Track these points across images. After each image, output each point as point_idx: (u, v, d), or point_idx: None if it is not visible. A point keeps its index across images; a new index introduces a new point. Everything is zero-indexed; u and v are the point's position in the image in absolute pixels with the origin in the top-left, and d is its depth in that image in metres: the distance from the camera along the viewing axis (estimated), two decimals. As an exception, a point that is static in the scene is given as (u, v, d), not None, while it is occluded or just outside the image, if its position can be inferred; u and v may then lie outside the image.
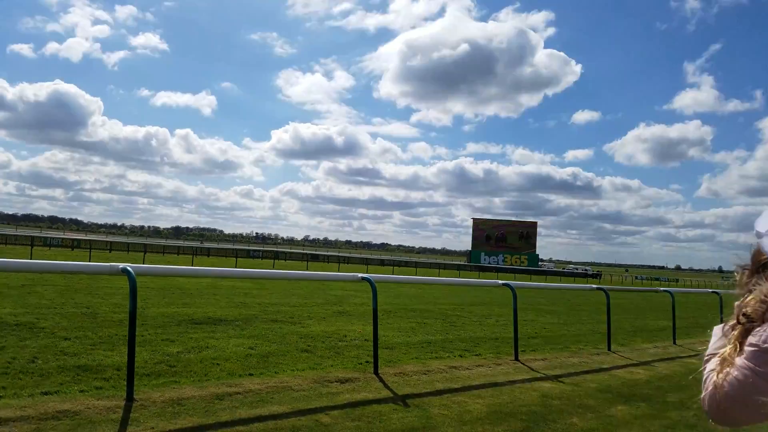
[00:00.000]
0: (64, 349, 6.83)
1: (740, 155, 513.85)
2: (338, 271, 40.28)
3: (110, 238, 62.94)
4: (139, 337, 7.49)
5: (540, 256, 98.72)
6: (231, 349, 7.63)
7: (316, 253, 77.07)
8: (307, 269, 39.16)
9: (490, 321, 13.73)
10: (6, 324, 8.05)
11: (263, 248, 76.58)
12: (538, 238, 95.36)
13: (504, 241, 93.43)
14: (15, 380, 5.31)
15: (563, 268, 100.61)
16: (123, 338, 7.53)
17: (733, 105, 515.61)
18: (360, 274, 7.48)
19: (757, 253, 1.27)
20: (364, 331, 9.93)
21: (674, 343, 12.31)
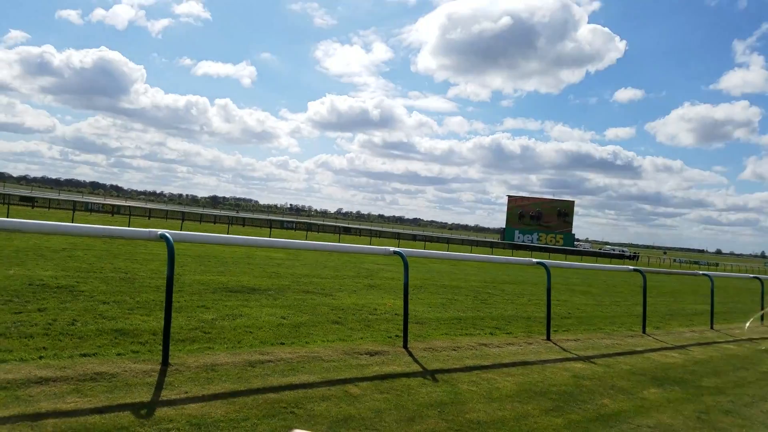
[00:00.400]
0: (103, 312, 7.03)
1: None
2: (370, 244, 40.52)
3: (149, 205, 64.48)
4: (175, 303, 7.67)
5: (576, 236, 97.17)
6: (264, 318, 7.75)
7: (349, 226, 77.48)
8: (339, 242, 39.46)
9: (523, 300, 13.61)
10: (48, 287, 8.34)
11: (296, 219, 77.40)
12: (574, 218, 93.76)
13: (539, 220, 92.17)
14: (55, 341, 5.50)
15: (600, 249, 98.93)
16: (159, 304, 7.73)
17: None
18: (392, 248, 7.45)
19: None
20: (395, 305, 9.96)
21: (711, 327, 12.00)
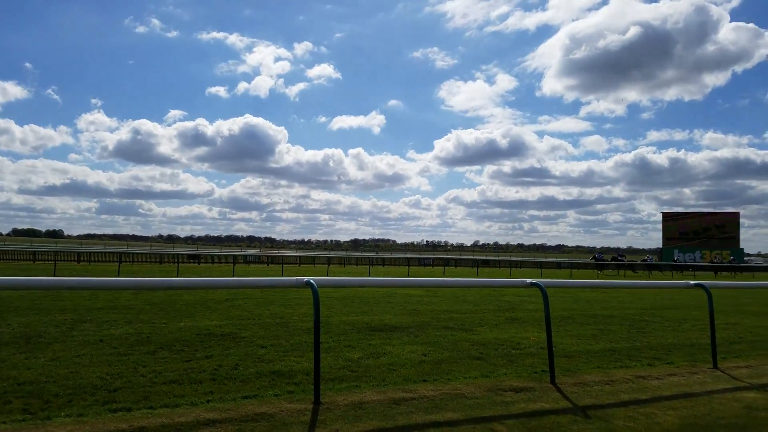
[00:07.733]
0: (262, 356, 7.62)
1: None
2: (510, 276, 39.53)
3: (299, 253, 68.77)
4: (324, 344, 8.12)
5: (745, 251, 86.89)
6: (406, 356, 7.90)
7: (486, 258, 76.17)
8: (477, 275, 39.00)
9: (686, 326, 12.44)
10: (213, 335, 9.22)
11: (433, 255, 77.89)
12: (741, 230, 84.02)
13: (701, 236, 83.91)
14: (221, 385, 6.07)
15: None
16: (311, 345, 8.20)
17: None
18: (528, 280, 7.28)
19: None
20: (539, 339, 9.63)
21: None
